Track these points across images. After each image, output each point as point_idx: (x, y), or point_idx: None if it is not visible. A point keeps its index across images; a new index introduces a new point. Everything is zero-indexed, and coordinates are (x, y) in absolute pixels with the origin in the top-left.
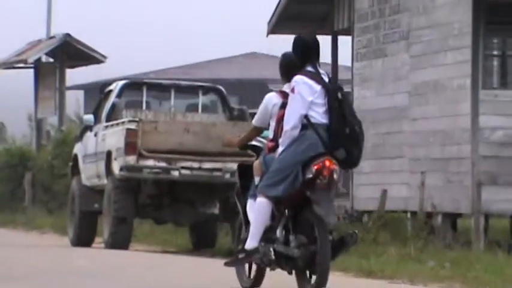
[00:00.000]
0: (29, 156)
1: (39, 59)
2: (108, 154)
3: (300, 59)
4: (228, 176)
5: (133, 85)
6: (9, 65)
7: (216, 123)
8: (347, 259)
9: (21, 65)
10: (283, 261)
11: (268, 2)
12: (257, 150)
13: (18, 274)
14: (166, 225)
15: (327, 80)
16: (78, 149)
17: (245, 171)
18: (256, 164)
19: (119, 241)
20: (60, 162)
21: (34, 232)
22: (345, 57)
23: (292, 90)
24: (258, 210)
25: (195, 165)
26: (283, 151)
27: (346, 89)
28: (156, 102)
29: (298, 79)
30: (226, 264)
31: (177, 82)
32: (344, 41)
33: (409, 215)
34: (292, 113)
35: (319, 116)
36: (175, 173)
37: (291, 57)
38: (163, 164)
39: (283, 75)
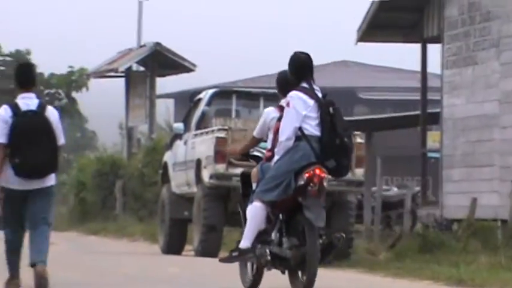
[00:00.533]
0: (120, 164)
1: (130, 68)
2: (198, 162)
3: (295, 76)
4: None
5: (223, 93)
6: (100, 73)
7: None
8: (437, 267)
9: (112, 73)
10: (278, 262)
11: (357, 10)
12: (257, 159)
13: (109, 281)
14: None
15: (320, 95)
16: (168, 157)
17: (248, 179)
18: (254, 171)
19: (209, 249)
20: (150, 170)
21: (125, 240)
22: (434, 65)
23: (288, 104)
24: (253, 213)
25: None
26: (278, 160)
27: (436, 96)
28: (246, 110)
29: (293, 94)
30: (220, 260)
31: (266, 90)
32: (433, 49)
33: (499, 223)
34: (287, 126)
35: (312, 128)
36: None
37: (287, 74)
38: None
39: (280, 91)
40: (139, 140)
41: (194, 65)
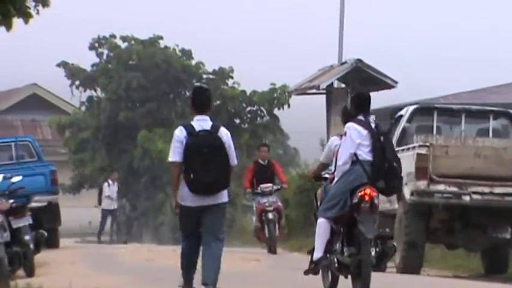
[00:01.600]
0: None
1: (331, 85)
2: None
3: (355, 110)
4: None
5: (424, 110)
6: (302, 90)
7: (507, 148)
8: None
9: (314, 90)
10: (342, 268)
11: None
12: (326, 180)
13: None
14: (458, 250)
15: (373, 126)
16: None
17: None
18: (318, 192)
19: (410, 266)
20: None
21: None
22: None
23: (345, 134)
24: (319, 228)
25: (486, 190)
26: (336, 181)
27: None
28: (447, 126)
29: (350, 125)
30: (304, 273)
31: (467, 107)
32: None
33: None
34: (344, 152)
35: (364, 154)
36: (466, 198)
37: (347, 108)
38: (454, 189)
39: (343, 122)
40: None
41: (395, 82)
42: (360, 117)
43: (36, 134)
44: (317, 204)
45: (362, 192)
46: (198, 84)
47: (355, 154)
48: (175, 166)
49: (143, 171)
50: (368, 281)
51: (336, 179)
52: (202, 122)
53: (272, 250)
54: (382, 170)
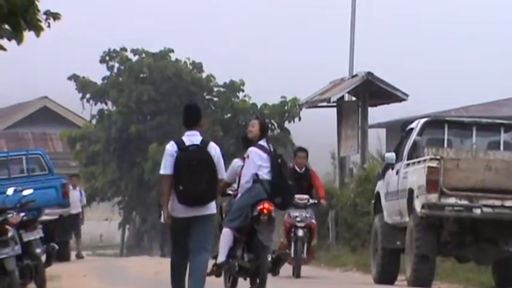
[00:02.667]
0: (333, 194)
1: (341, 98)
2: (410, 192)
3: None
4: None
5: (435, 123)
6: (312, 103)
7: None
8: None
9: (325, 103)
10: (242, 272)
11: None
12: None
13: None
14: (469, 263)
15: (272, 150)
16: (380, 186)
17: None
18: (224, 206)
19: (421, 279)
20: (362, 200)
21: (337, 270)
22: None
23: (248, 156)
24: (223, 236)
25: (497, 203)
26: (240, 197)
27: None
28: (457, 139)
29: (252, 149)
30: (207, 274)
31: (478, 120)
32: None
33: None
34: (247, 172)
35: (264, 174)
36: (477, 211)
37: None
38: (465, 202)
39: (244, 146)
40: (352, 169)
41: (406, 95)
42: (261, 142)
43: (47, 147)
44: (222, 216)
45: (261, 207)
46: (189, 102)
47: (256, 174)
48: (166, 179)
49: (153, 184)
50: (265, 282)
51: (239, 195)
52: (192, 137)
53: (296, 273)
54: (280, 187)
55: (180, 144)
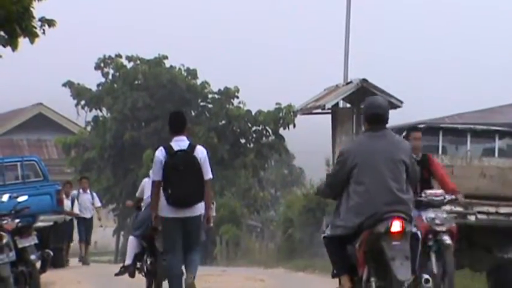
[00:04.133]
0: (327, 201)
1: (336, 105)
2: None
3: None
4: None
5: (430, 130)
6: (307, 110)
7: None
8: None
9: (319, 110)
10: (149, 273)
11: None
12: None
13: None
14: (463, 270)
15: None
16: None
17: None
18: (132, 218)
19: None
20: None
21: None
22: None
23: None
24: (130, 242)
25: (492, 209)
26: (143, 210)
27: None
28: (452, 146)
29: (150, 175)
30: (115, 275)
31: (472, 126)
32: None
33: None
34: (149, 189)
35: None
36: (472, 218)
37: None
38: (459, 209)
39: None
40: None
41: (401, 101)
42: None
43: (42, 153)
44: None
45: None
46: (174, 110)
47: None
48: (156, 184)
49: None
50: (161, 281)
51: (143, 208)
52: (180, 142)
53: None
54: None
55: (168, 149)
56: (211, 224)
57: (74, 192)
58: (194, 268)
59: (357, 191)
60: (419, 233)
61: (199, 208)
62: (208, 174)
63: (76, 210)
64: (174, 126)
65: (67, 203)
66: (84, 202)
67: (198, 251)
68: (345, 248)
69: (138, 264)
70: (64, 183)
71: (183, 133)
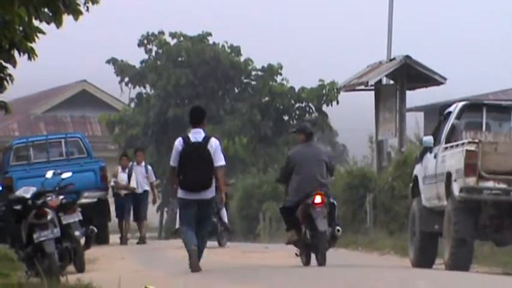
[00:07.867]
0: (370, 178)
1: (379, 81)
2: (448, 175)
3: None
4: None
5: (473, 106)
6: (350, 87)
7: None
8: None
9: (362, 87)
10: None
11: None
12: None
13: None
14: (507, 247)
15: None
16: (418, 170)
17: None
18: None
19: (459, 262)
20: (400, 183)
21: (375, 253)
22: None
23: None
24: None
25: None
26: None
27: None
28: (496, 123)
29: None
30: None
31: None
32: None
33: None
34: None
35: None
36: None
37: None
38: (503, 186)
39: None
40: (390, 153)
41: (444, 78)
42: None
43: (85, 130)
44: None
45: None
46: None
47: None
48: (173, 169)
49: None
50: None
51: None
52: (196, 134)
53: None
54: None
55: (186, 140)
56: (223, 202)
57: (131, 164)
58: (201, 240)
59: (296, 179)
60: (335, 202)
61: (210, 192)
62: (218, 162)
63: (133, 183)
64: (193, 119)
65: (123, 177)
66: (139, 176)
67: (210, 223)
68: (293, 214)
69: None
70: (120, 156)
71: (201, 126)
